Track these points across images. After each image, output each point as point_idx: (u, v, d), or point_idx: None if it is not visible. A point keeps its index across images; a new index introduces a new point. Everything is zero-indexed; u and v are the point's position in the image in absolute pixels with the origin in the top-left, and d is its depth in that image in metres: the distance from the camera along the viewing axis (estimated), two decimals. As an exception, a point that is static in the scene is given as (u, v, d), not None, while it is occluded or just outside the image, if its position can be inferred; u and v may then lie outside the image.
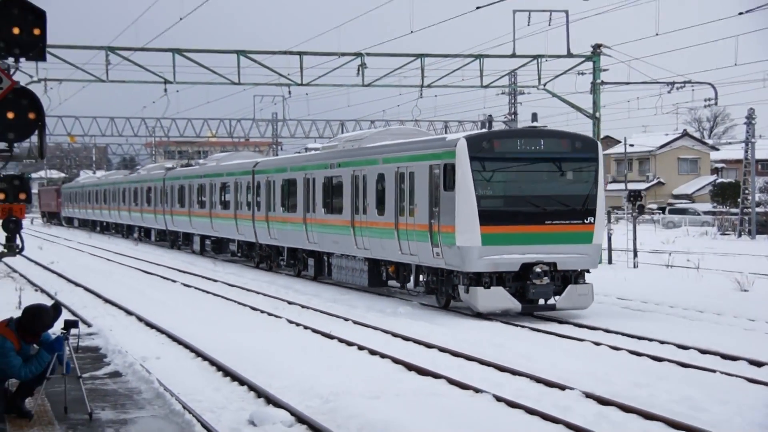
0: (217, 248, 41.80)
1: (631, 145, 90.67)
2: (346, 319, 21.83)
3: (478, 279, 21.71)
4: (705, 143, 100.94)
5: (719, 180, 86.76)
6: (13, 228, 14.31)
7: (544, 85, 38.96)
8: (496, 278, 21.69)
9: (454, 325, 20.86)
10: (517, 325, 20.82)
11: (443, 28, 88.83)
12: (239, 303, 25.13)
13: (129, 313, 23.37)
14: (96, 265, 38.86)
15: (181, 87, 41.05)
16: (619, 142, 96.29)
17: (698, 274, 30.98)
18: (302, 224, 30.77)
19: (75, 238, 63.33)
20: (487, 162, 21.94)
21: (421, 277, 24.51)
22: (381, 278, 26.65)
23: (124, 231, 62.24)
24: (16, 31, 11.62)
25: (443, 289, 23.27)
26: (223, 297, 26.59)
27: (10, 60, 12.29)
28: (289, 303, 25.01)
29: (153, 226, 52.95)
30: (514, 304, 21.65)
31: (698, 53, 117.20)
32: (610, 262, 36.75)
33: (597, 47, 38.17)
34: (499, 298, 21.57)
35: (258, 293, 27.33)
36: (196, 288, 29.14)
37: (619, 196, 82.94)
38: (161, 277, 33.21)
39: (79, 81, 38.77)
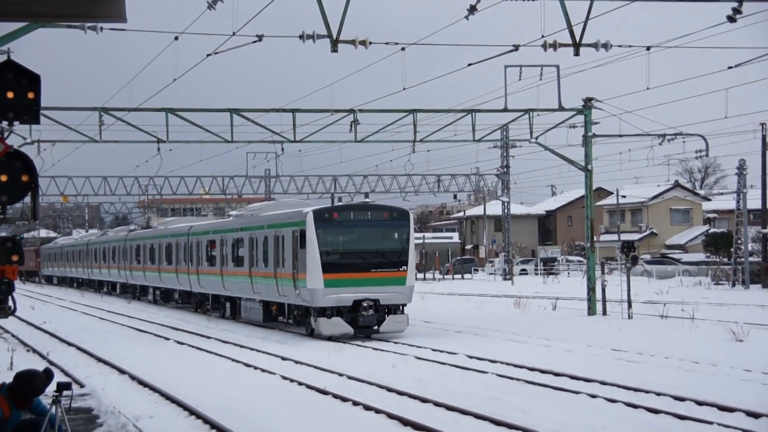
0: (165, 297, 49.89)
1: (624, 197, 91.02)
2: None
3: (323, 311, 29.39)
4: (697, 194, 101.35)
5: (712, 230, 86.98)
6: (6, 290, 14.27)
7: (536, 138, 39.20)
8: (336, 311, 29.50)
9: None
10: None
11: (435, 84, 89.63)
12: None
13: (122, 371, 23.25)
14: (88, 324, 38.70)
15: (174, 145, 41.20)
16: (611, 193, 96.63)
17: (693, 325, 30.94)
18: (219, 275, 38.61)
19: (68, 297, 63.16)
20: (327, 228, 29.75)
21: (296, 312, 31.82)
22: (271, 315, 34.07)
23: (96, 286, 69.04)
24: (10, 95, 11.72)
25: (306, 321, 30.76)
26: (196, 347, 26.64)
27: (4, 123, 12.37)
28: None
29: (117, 280, 60.87)
30: (349, 330, 29.56)
31: (689, 106, 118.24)
32: (604, 313, 36.71)
33: (588, 101, 38.48)
34: (338, 325, 29.49)
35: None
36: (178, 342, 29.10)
37: (612, 247, 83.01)
38: (152, 334, 33.12)
39: (73, 142, 38.88)
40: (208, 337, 31.47)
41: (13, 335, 33.83)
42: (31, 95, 12.05)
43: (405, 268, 30.01)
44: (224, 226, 39.67)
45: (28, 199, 13.81)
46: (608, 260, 60.63)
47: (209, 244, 40.15)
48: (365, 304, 29.49)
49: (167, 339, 31.40)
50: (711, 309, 38.62)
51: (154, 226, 58.17)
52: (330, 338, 29.38)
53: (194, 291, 43.41)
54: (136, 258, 53.49)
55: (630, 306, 35.29)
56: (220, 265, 38.55)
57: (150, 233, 52.66)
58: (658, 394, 18.15)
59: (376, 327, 29.84)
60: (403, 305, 30.32)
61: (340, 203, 36.05)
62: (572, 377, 20.65)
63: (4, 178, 12.15)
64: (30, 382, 12.08)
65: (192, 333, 33.33)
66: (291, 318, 32.31)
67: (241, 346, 28.29)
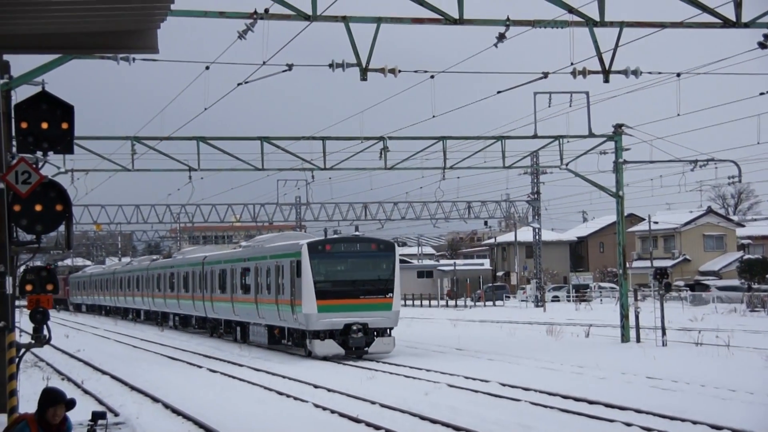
0: (183, 323, 53.00)
1: (656, 223, 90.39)
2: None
3: (317, 334, 32.46)
4: (730, 220, 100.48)
5: (746, 256, 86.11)
6: (41, 319, 14.39)
7: (567, 164, 39.10)
8: (329, 334, 32.40)
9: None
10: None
11: (465, 111, 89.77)
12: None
13: (155, 399, 23.30)
14: (122, 352, 38.88)
15: (206, 174, 41.44)
16: (643, 219, 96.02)
17: (729, 352, 30.57)
18: (230, 302, 41.25)
19: (101, 325, 63.54)
20: (321, 259, 32.77)
21: (294, 335, 34.71)
22: (275, 338, 36.66)
23: (122, 313, 72.02)
24: (44, 125, 11.88)
25: (303, 343, 33.60)
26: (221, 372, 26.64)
27: (39, 153, 12.52)
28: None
29: (141, 307, 63.88)
30: (340, 350, 32.45)
31: (720, 132, 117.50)
32: (638, 340, 36.36)
33: (618, 127, 38.31)
34: (331, 347, 32.39)
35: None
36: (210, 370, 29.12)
37: (645, 274, 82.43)
38: (185, 362, 33.20)
39: (106, 171, 39.24)
40: (240, 365, 31.50)
41: (48, 363, 34.06)
42: (65, 125, 12.20)
43: (391, 294, 33.14)
44: (234, 256, 42.46)
45: (62, 228, 13.95)
46: (641, 287, 60.20)
47: (221, 273, 42.90)
48: (355, 328, 32.51)
49: (200, 367, 31.47)
50: (747, 336, 38.14)
51: (174, 255, 62.03)
52: (324, 358, 32.50)
53: (209, 317, 46.34)
54: (158, 286, 56.48)
55: (664, 333, 34.95)
56: (230, 292, 41.28)
57: (169, 263, 55.85)
58: (695, 423, 17.92)
59: (366, 348, 32.85)
60: (390, 328, 33.37)
61: (333, 236, 38.74)
62: (606, 405, 20.45)
63: (39, 207, 12.29)
64: (45, 395, 12.09)
65: (224, 361, 33.37)
66: (291, 340, 35.33)
67: (273, 374, 28.30)
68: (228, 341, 42.24)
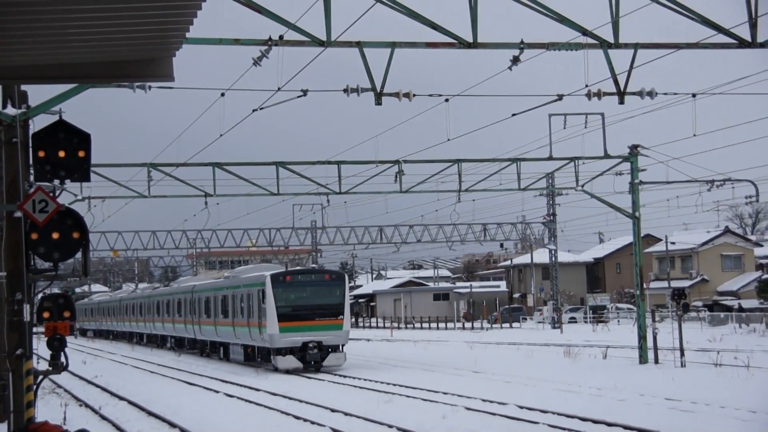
0: (178, 344, 58.61)
1: (673, 243, 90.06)
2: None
3: (279, 351, 38.26)
4: (748, 239, 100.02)
5: (765, 276, 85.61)
6: (58, 346, 14.44)
7: (582, 186, 39.04)
8: (289, 350, 38.16)
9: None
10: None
11: (480, 134, 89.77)
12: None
13: (172, 425, 23.28)
14: (139, 378, 38.91)
15: (222, 199, 41.62)
16: (660, 240, 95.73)
17: (749, 373, 30.35)
18: (213, 325, 47.34)
19: (118, 351, 63.64)
20: (282, 288, 38.61)
21: (263, 352, 40.21)
22: (249, 355, 42.39)
23: (127, 337, 77.11)
24: (62, 154, 11.98)
25: (269, 358, 39.13)
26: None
27: (56, 181, 12.60)
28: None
29: (143, 331, 69.44)
30: (299, 364, 38.16)
31: (737, 152, 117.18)
32: (656, 361, 36.15)
33: (634, 148, 38.25)
34: (291, 361, 38.16)
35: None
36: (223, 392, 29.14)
37: (663, 295, 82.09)
38: (202, 387, 33.20)
39: (123, 197, 39.40)
40: (257, 389, 31.49)
41: (65, 390, 34.11)
42: (81, 154, 12.30)
43: (342, 317, 38.82)
44: (216, 285, 48.33)
45: (79, 255, 14.02)
46: (659, 308, 59.87)
47: (206, 300, 48.75)
48: (311, 345, 38.25)
49: (217, 392, 31.47)
50: (767, 357, 37.86)
51: (171, 284, 68.92)
52: (287, 371, 38.06)
53: (197, 338, 52.49)
54: (157, 312, 62.41)
55: (682, 354, 34.75)
56: (214, 316, 47.30)
57: (166, 291, 61.95)
58: (714, 445, 17.78)
59: (321, 362, 38.47)
60: (342, 345, 38.99)
61: (292, 269, 43.21)
62: (625, 427, 20.32)
63: (56, 235, 12.37)
64: None
65: (240, 385, 33.38)
66: (260, 357, 40.99)
67: (290, 398, 28.24)
68: (219, 360, 47.75)
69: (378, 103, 20.85)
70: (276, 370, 38.50)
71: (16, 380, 14.90)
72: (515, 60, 19.92)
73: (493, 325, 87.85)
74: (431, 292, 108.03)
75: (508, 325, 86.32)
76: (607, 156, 37.62)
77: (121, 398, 30.47)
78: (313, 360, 38.24)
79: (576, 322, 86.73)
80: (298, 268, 47.15)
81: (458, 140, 42.95)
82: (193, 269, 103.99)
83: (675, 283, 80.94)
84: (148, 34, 10.65)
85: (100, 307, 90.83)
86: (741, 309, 74.48)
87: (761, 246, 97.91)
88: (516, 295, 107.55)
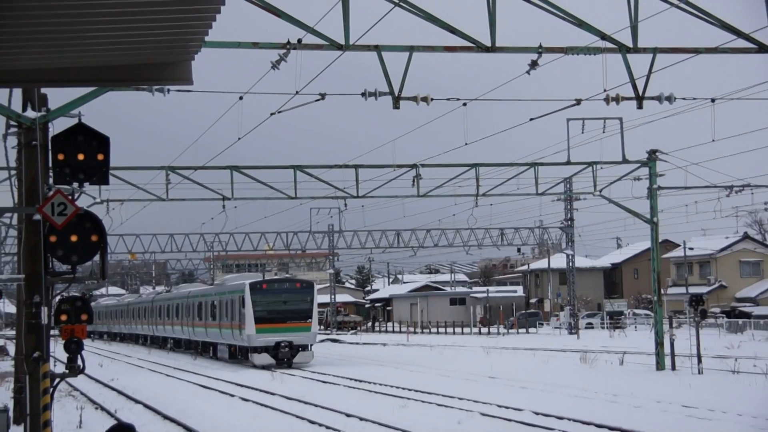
0: (176, 345, 63.89)
1: (691, 249, 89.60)
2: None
3: (255, 349, 44.44)
4: (767, 245, 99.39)
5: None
6: (75, 349, 14.47)
7: (600, 191, 38.92)
8: (264, 349, 44.32)
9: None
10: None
11: (497, 138, 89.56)
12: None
13: (188, 429, 23.31)
14: (156, 381, 39.00)
15: (239, 202, 41.66)
16: (678, 245, 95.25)
17: (766, 380, 30.14)
18: (204, 327, 53.21)
19: (135, 354, 63.83)
20: (258, 294, 44.95)
21: (243, 351, 46.43)
22: (233, 354, 48.51)
23: (135, 339, 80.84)
24: (81, 157, 12.00)
25: (249, 357, 45.23)
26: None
27: (75, 184, 12.64)
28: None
29: (147, 333, 73.83)
30: (272, 361, 44.07)
31: (756, 157, 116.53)
32: (673, 368, 35.98)
33: (652, 153, 38.11)
34: (265, 359, 44.27)
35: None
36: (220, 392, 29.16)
37: (681, 300, 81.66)
38: (217, 390, 33.26)
39: (141, 201, 39.50)
40: (272, 393, 31.50)
41: (82, 393, 34.21)
42: (100, 157, 12.33)
43: (310, 320, 45.09)
44: (207, 291, 54.46)
45: (97, 258, 14.05)
46: (676, 314, 59.57)
47: (199, 305, 54.24)
48: (283, 344, 44.41)
49: (232, 396, 31.50)
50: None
51: (171, 290, 72.99)
52: (263, 367, 43.53)
53: (191, 339, 58.15)
54: (159, 315, 67.70)
55: (700, 360, 34.56)
56: (204, 319, 53.04)
57: (167, 296, 66.87)
58: (732, 453, 17.66)
59: (291, 359, 44.48)
60: (311, 344, 45.34)
61: (268, 278, 47.92)
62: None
63: (74, 238, 12.40)
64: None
65: (254, 389, 33.40)
66: (241, 355, 46.97)
67: (305, 403, 28.24)
68: (229, 361, 50.56)
69: (396, 107, 20.83)
70: (254, 366, 44.40)
71: (33, 383, 14.95)
72: (533, 64, 19.86)
73: (510, 331, 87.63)
74: (448, 297, 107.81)
75: (524, 330, 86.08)
76: (625, 161, 37.47)
77: (137, 401, 30.55)
78: (284, 357, 44.25)
79: (593, 327, 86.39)
80: (272, 277, 51.82)
81: (476, 144, 43.07)
82: (210, 272, 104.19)
83: (693, 289, 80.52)
84: (167, 37, 10.67)
85: (108, 310, 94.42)
86: (751, 316, 74.07)
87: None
88: (533, 300, 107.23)
